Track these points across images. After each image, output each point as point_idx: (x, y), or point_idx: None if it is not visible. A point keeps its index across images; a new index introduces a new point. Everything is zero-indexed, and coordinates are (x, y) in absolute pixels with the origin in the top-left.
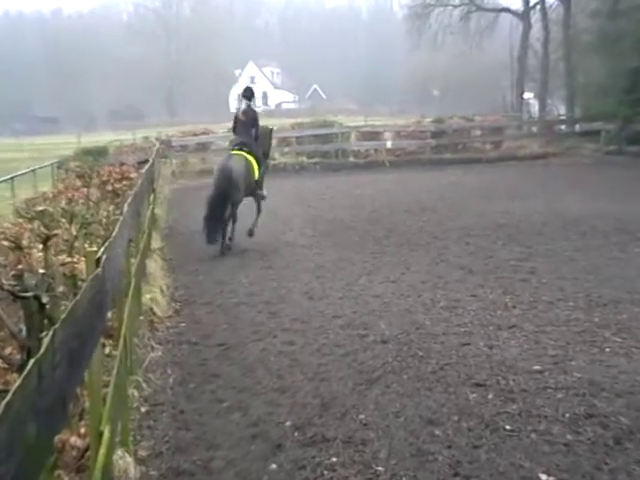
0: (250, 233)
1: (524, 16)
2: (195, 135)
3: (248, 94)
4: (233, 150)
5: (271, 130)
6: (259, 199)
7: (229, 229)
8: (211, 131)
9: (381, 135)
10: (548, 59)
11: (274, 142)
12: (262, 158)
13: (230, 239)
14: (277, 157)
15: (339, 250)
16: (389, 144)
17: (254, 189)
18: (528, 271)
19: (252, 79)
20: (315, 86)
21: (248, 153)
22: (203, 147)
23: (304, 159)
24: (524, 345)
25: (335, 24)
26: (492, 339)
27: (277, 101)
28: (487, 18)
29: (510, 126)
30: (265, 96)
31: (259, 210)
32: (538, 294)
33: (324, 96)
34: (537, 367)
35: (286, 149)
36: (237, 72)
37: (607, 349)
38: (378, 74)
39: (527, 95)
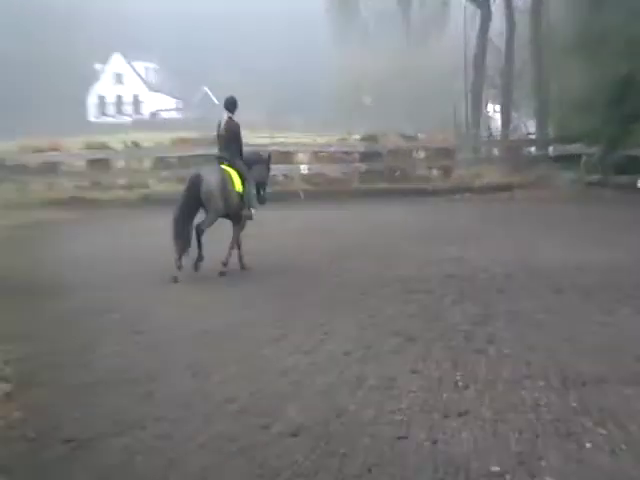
0: (223, 266)
1: (482, 4)
2: (40, 151)
3: (229, 104)
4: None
5: (269, 156)
6: (242, 219)
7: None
8: (61, 147)
9: (294, 157)
10: (513, 61)
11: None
12: (247, 173)
13: (199, 259)
14: (151, 184)
15: (234, 309)
16: (305, 169)
17: (236, 206)
18: (485, 339)
19: (118, 77)
20: (206, 89)
21: (229, 167)
22: (51, 168)
23: None
24: (479, 438)
25: (238, 5)
26: (437, 430)
27: (153, 108)
28: (433, 4)
29: (464, 148)
30: (136, 101)
31: (236, 232)
32: (498, 370)
33: (217, 102)
34: (496, 468)
35: (164, 173)
36: (98, 67)
37: (588, 444)
38: (294, 76)
39: (489, 107)
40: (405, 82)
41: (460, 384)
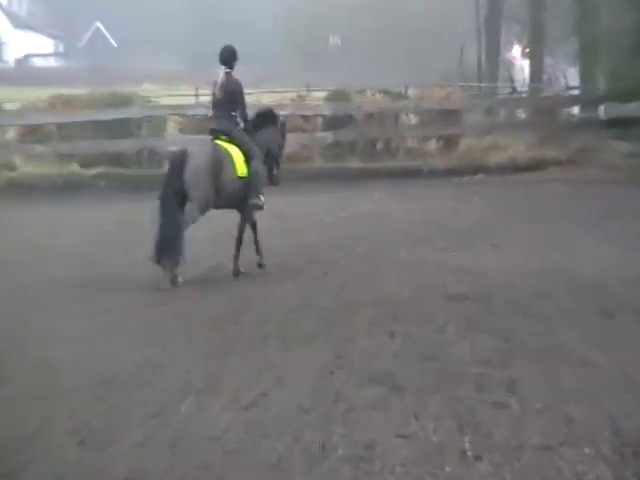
0: (260, 267)
1: None
2: None
3: (227, 56)
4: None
5: (283, 123)
6: (249, 209)
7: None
8: None
9: None
10: None
11: None
12: (253, 149)
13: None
14: (18, 164)
15: (143, 344)
16: None
17: (238, 195)
18: (505, 387)
19: None
20: (98, 25)
21: (228, 142)
22: None
23: (76, 169)
24: None
25: None
26: None
27: (22, 52)
28: None
29: (475, 108)
30: None
31: (242, 226)
32: (524, 432)
33: (116, 45)
34: None
35: (38, 148)
36: None
37: None
38: (227, 10)
39: (514, 51)
40: (390, 14)
41: (469, 454)
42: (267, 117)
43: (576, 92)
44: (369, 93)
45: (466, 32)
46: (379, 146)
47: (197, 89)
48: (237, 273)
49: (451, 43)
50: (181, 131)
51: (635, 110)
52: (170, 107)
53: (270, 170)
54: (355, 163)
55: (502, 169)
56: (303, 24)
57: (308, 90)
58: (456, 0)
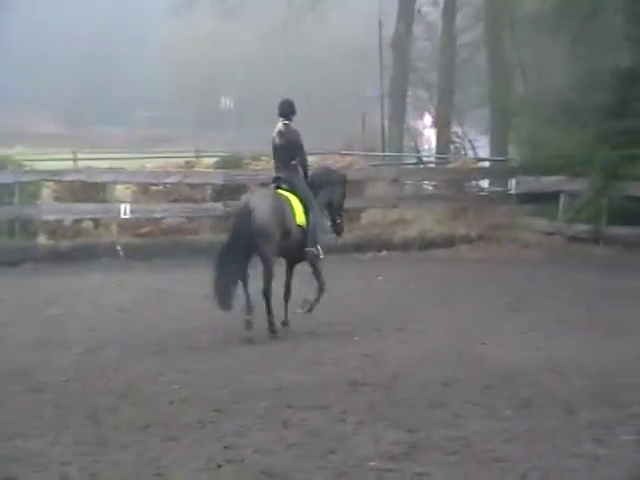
0: (309, 309)
1: None
2: None
3: (286, 109)
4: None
5: (345, 178)
6: (312, 260)
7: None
8: None
9: (109, 191)
10: (455, 45)
11: None
12: (312, 199)
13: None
14: None
15: (12, 433)
16: (125, 210)
17: (298, 242)
18: None
19: None
20: None
21: (288, 191)
22: None
23: None
24: None
25: None
26: None
27: None
28: None
29: (379, 179)
30: None
31: (316, 275)
32: None
33: None
34: None
35: None
36: None
37: None
38: (108, 65)
39: (425, 121)
40: (289, 76)
41: None
42: (328, 176)
43: (486, 164)
44: (264, 160)
45: (371, 97)
46: None
47: (75, 153)
48: (285, 324)
49: (353, 106)
50: (57, 199)
51: (549, 185)
52: (46, 172)
53: (333, 222)
54: None
55: (409, 245)
56: (194, 84)
57: (197, 155)
58: (359, 61)
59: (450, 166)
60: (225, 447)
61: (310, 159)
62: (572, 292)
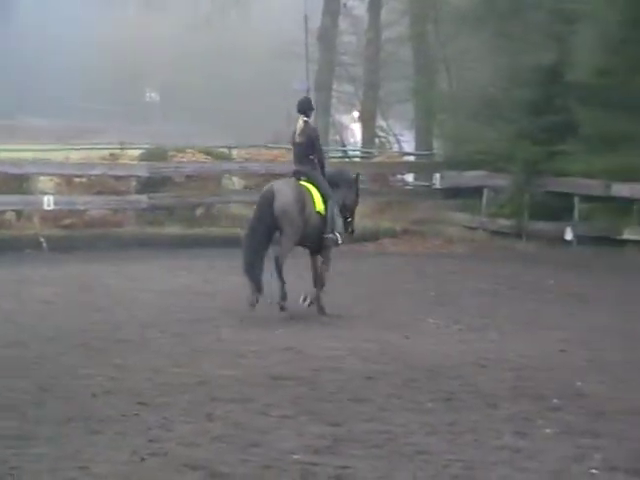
0: (311, 304)
1: None
2: None
3: (305, 106)
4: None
5: (357, 176)
6: (326, 246)
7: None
8: None
9: (32, 183)
10: (380, 39)
11: None
12: (328, 189)
13: (283, 297)
14: None
15: None
16: (49, 202)
17: (317, 230)
18: (334, 477)
19: None
20: None
21: (307, 182)
22: None
23: None
24: None
25: None
26: None
27: None
28: None
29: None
30: None
31: (320, 265)
32: None
33: None
34: None
35: None
36: None
37: None
38: (27, 55)
39: (353, 116)
40: (215, 69)
41: None
42: (340, 176)
43: (411, 158)
44: (189, 153)
45: (297, 91)
46: (200, 211)
47: None
48: (322, 310)
49: (280, 99)
50: None
51: (473, 180)
52: None
53: (345, 219)
54: (173, 229)
55: None
56: (118, 76)
57: (122, 147)
58: (288, 57)
59: (375, 160)
60: (149, 440)
61: (235, 152)
62: (495, 286)
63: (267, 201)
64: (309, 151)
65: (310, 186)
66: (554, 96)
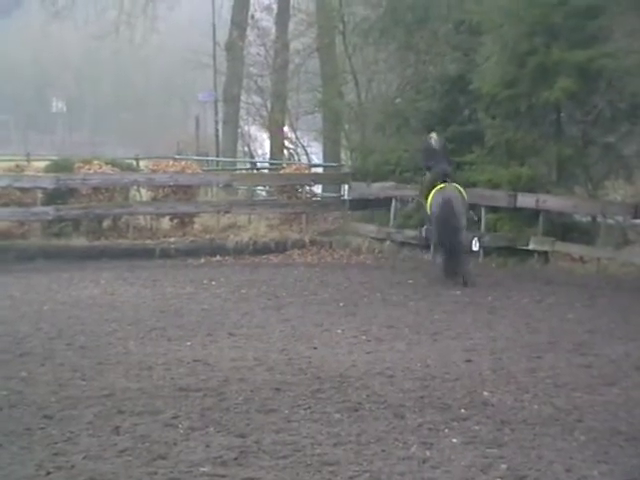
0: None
1: None
2: None
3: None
4: (440, 183)
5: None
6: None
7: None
8: None
9: None
10: (287, 51)
11: None
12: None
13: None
14: None
15: None
16: None
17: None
18: None
19: None
20: None
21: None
22: None
23: None
24: None
25: None
26: None
27: None
28: None
29: (213, 184)
30: None
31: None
32: None
33: None
34: None
35: None
36: None
37: None
38: None
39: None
40: (121, 79)
41: None
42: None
43: (319, 170)
44: (96, 164)
45: (204, 102)
46: (106, 223)
47: None
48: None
49: (186, 110)
50: None
51: (380, 191)
52: None
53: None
54: (79, 241)
55: (242, 250)
56: (24, 85)
57: (28, 159)
58: (193, 65)
59: (283, 172)
60: (54, 454)
61: (142, 163)
62: (402, 297)
63: (451, 207)
64: (445, 156)
65: (461, 188)
66: (460, 107)
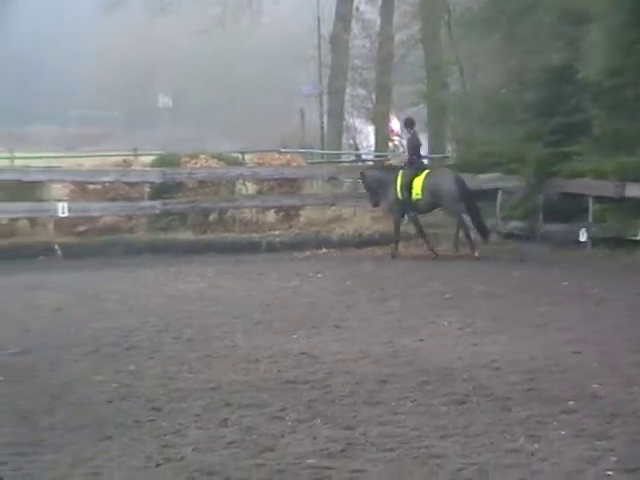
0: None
1: None
2: None
3: (413, 122)
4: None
5: None
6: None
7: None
8: None
9: (45, 190)
10: (392, 43)
11: None
12: None
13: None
14: None
15: None
16: (63, 209)
17: None
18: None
19: None
20: None
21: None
22: None
23: None
24: None
25: None
26: None
27: None
28: None
29: (318, 177)
30: None
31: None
32: None
33: None
34: None
35: None
36: None
37: None
38: (33, 63)
39: (393, 125)
40: (226, 73)
41: None
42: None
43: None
44: (202, 158)
45: (306, 95)
46: (212, 217)
47: (12, 152)
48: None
49: (291, 104)
50: None
51: (485, 182)
52: None
53: None
54: (186, 235)
55: (347, 243)
56: (130, 81)
57: (135, 154)
58: (297, 60)
59: (388, 163)
60: (163, 445)
61: (248, 157)
62: (507, 289)
63: (463, 183)
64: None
65: None
66: (565, 97)
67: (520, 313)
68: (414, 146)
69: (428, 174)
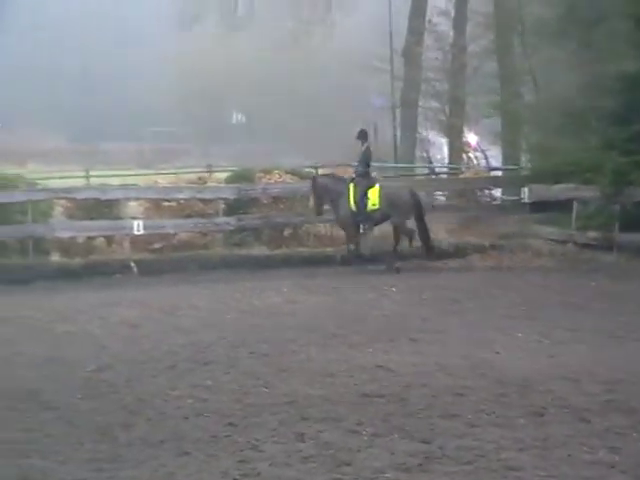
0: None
1: None
2: None
3: (366, 135)
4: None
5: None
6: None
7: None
8: None
9: (121, 207)
10: (465, 53)
11: None
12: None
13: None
14: None
15: None
16: (138, 227)
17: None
18: None
19: None
20: None
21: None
22: None
23: None
24: None
25: None
26: None
27: None
28: None
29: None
30: None
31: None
32: None
33: None
34: None
35: None
36: None
37: None
38: (111, 79)
39: (470, 139)
40: (297, 89)
41: None
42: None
43: (498, 173)
44: (276, 174)
45: (376, 108)
46: (287, 232)
47: (87, 170)
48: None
49: (363, 117)
50: (69, 216)
51: (561, 193)
52: (58, 190)
53: None
54: (260, 250)
55: (422, 255)
56: (204, 99)
57: (209, 170)
58: (369, 72)
59: (462, 176)
60: (240, 461)
61: (322, 171)
62: (584, 299)
63: (418, 198)
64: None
65: None
66: (639, 105)
67: (598, 323)
68: (367, 157)
69: (383, 186)
